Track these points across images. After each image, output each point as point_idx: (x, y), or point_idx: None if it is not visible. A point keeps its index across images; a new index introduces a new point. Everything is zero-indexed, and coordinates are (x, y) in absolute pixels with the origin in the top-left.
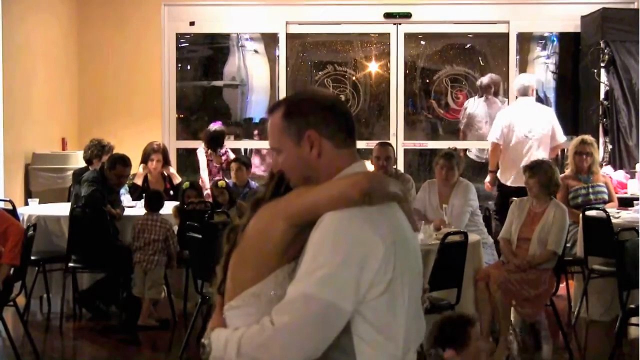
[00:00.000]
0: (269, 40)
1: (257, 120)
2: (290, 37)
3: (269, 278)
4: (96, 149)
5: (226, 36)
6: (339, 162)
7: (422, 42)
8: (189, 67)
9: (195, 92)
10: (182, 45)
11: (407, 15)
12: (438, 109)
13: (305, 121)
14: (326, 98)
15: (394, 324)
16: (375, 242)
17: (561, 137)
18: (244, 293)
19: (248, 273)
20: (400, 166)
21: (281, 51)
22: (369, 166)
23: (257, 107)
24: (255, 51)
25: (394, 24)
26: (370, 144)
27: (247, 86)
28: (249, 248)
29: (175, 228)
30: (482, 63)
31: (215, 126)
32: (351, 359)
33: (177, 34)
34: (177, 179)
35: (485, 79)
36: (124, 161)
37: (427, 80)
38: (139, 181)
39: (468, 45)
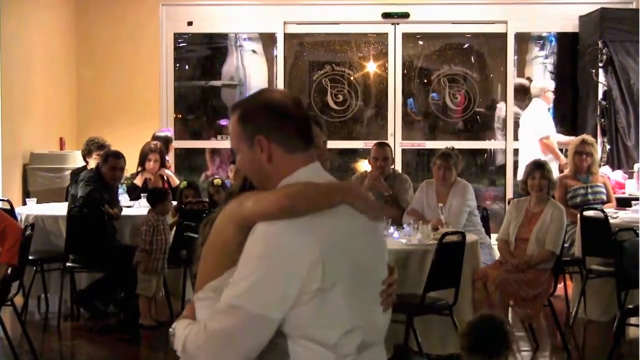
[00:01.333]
0: (267, 40)
1: None
2: (288, 37)
3: (225, 275)
4: (93, 145)
5: (224, 36)
6: (290, 166)
7: (420, 42)
8: (187, 67)
9: (193, 92)
10: (180, 45)
11: (405, 15)
12: (436, 109)
13: (256, 126)
14: (279, 102)
15: (325, 329)
16: (301, 254)
17: None
18: (206, 286)
19: (209, 267)
20: (398, 166)
21: (279, 51)
22: (366, 166)
23: None
24: (254, 51)
25: (392, 23)
26: (368, 144)
27: (245, 86)
28: (210, 244)
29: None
30: (479, 63)
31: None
32: None
33: (175, 34)
34: (176, 181)
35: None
36: (116, 154)
37: (425, 80)
38: (139, 182)
39: (466, 45)
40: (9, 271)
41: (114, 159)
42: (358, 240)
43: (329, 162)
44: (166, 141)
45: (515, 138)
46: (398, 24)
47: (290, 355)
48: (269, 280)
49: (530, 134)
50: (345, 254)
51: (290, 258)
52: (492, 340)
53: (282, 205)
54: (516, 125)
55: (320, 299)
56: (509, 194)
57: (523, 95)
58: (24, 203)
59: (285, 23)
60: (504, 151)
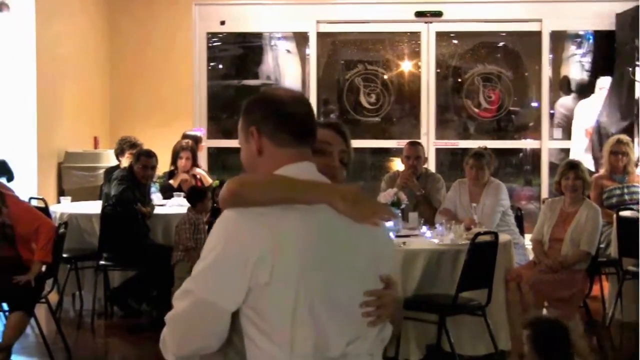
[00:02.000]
0: (300, 39)
1: None
2: (320, 36)
3: None
4: (126, 144)
5: (257, 35)
6: (277, 160)
7: (454, 41)
8: (219, 66)
9: (226, 91)
10: (213, 44)
11: (438, 14)
12: (470, 108)
13: (251, 118)
14: (276, 97)
15: (279, 328)
16: (249, 245)
17: None
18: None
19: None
20: (432, 166)
21: (311, 50)
22: (400, 165)
23: None
24: (288, 50)
25: (425, 22)
26: (401, 144)
27: (278, 85)
28: None
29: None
30: (514, 62)
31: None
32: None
33: (207, 33)
34: (209, 181)
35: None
36: (147, 153)
37: (459, 79)
38: (174, 183)
39: (500, 44)
40: (43, 269)
41: (145, 158)
42: (331, 242)
43: (344, 172)
44: (196, 141)
45: (551, 137)
46: (431, 22)
47: (246, 351)
48: (216, 267)
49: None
50: (305, 253)
51: (238, 247)
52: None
53: (230, 190)
54: (567, 122)
55: (271, 294)
56: (544, 193)
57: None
58: (59, 201)
59: (317, 22)
60: (539, 150)
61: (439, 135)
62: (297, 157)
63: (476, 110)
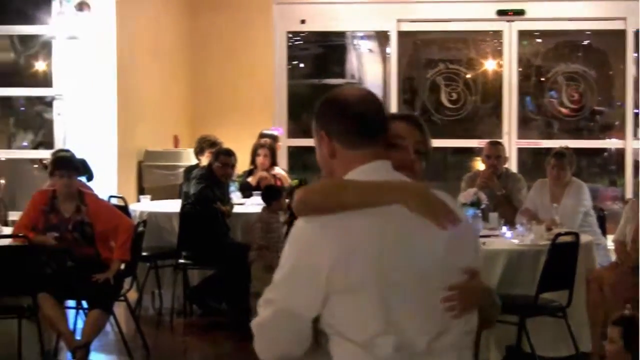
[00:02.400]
0: (381, 38)
1: None
2: (401, 35)
3: None
4: (205, 143)
5: (337, 34)
6: (351, 163)
7: (538, 40)
8: (301, 65)
9: (306, 90)
10: (293, 43)
11: (521, 13)
12: (553, 107)
13: (319, 122)
14: (340, 99)
15: (359, 332)
16: (321, 255)
17: None
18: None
19: None
20: (514, 165)
21: (392, 49)
22: (482, 165)
23: None
24: (370, 50)
25: (507, 21)
26: (482, 143)
27: (361, 84)
28: None
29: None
30: (597, 61)
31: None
32: None
33: (287, 32)
34: (288, 182)
35: None
36: (227, 152)
37: (542, 78)
38: (253, 181)
39: (584, 43)
40: (122, 267)
41: (225, 157)
42: (407, 242)
43: (423, 163)
44: (273, 140)
45: (636, 137)
46: (513, 21)
47: (331, 353)
48: (291, 277)
49: None
50: (380, 255)
51: (309, 257)
52: None
53: (298, 199)
54: None
55: (349, 300)
56: (628, 194)
57: None
58: (139, 200)
59: (398, 21)
60: (624, 150)
61: (521, 135)
62: (370, 157)
63: (559, 109)
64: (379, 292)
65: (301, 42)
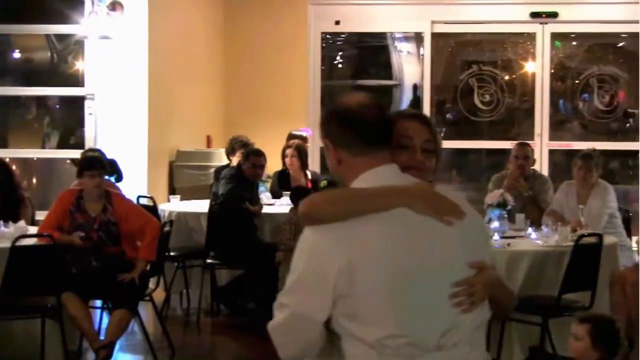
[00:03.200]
0: (416, 39)
1: None
2: (435, 36)
3: None
4: (237, 144)
5: (372, 35)
6: (357, 169)
7: (571, 43)
8: (335, 66)
9: (341, 91)
10: (327, 44)
11: (554, 15)
12: (585, 109)
13: (324, 132)
14: (345, 108)
15: (370, 331)
16: (328, 261)
17: None
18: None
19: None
20: (545, 167)
21: (426, 50)
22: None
23: (403, 106)
24: (408, 52)
25: (540, 23)
26: (513, 144)
27: (401, 86)
28: None
29: None
30: (630, 63)
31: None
32: None
33: (322, 33)
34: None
35: None
36: (256, 152)
37: (575, 80)
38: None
39: (617, 45)
40: (147, 267)
41: (254, 157)
42: (413, 243)
43: (432, 161)
44: (301, 140)
45: None
46: (546, 23)
47: (344, 352)
48: (301, 282)
49: None
50: (387, 259)
51: (316, 264)
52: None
53: (301, 211)
54: None
55: (358, 302)
56: None
57: None
58: (169, 200)
59: (432, 22)
60: None
61: (554, 136)
62: (375, 162)
63: (592, 111)
64: (389, 294)
65: (337, 42)
